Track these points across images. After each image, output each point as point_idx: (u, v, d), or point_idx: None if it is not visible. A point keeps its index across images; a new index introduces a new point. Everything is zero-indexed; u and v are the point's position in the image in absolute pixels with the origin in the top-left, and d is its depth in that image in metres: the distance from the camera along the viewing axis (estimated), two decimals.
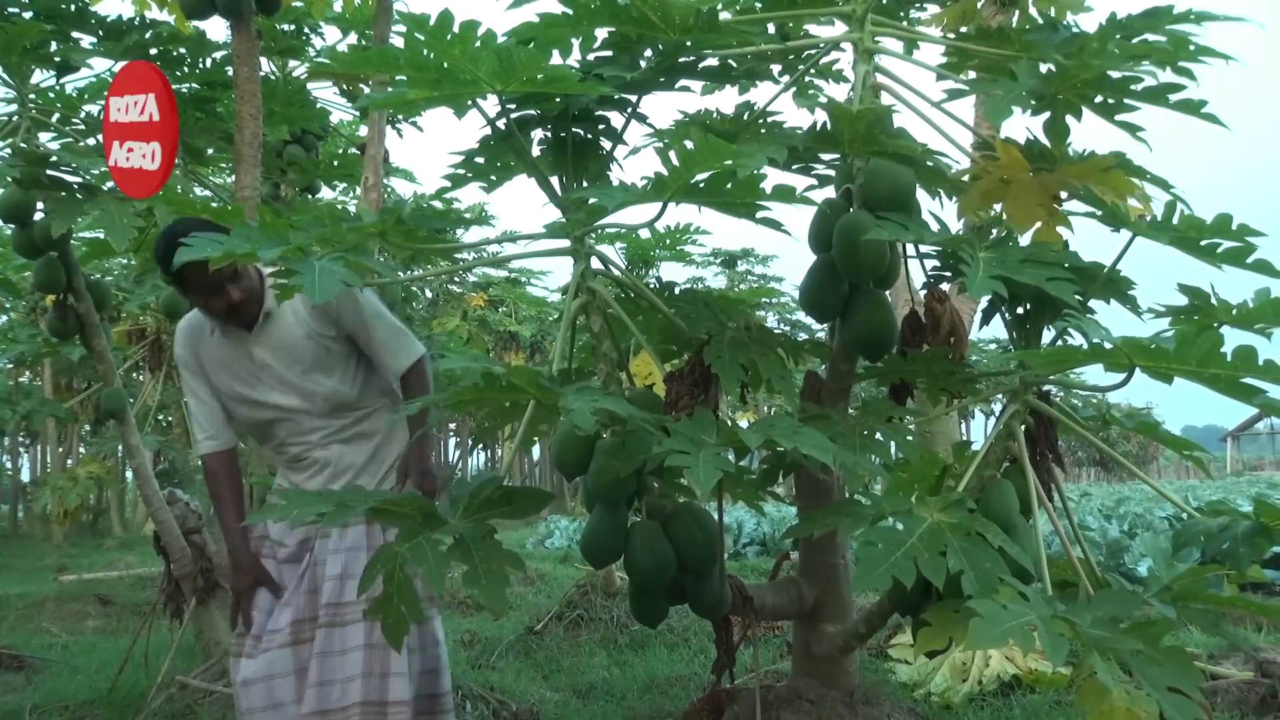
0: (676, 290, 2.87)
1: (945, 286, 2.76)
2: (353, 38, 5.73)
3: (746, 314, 2.73)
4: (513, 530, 17.08)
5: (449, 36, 2.14)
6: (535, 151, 2.69)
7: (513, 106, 2.54)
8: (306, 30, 5.46)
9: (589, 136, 2.68)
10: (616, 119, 2.67)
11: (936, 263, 2.69)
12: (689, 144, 2.02)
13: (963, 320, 2.75)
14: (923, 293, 2.70)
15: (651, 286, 2.87)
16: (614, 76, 2.43)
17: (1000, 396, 2.54)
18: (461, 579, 2.06)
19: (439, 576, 2.05)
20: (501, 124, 2.55)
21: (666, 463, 1.96)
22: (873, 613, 2.52)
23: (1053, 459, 2.43)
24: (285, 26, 5.35)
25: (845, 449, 2.11)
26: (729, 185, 2.18)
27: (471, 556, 2.07)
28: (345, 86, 6.19)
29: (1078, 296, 2.10)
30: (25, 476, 24.61)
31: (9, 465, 25.06)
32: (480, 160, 2.71)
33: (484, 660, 5.36)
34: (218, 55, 4.32)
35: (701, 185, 2.18)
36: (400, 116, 6.42)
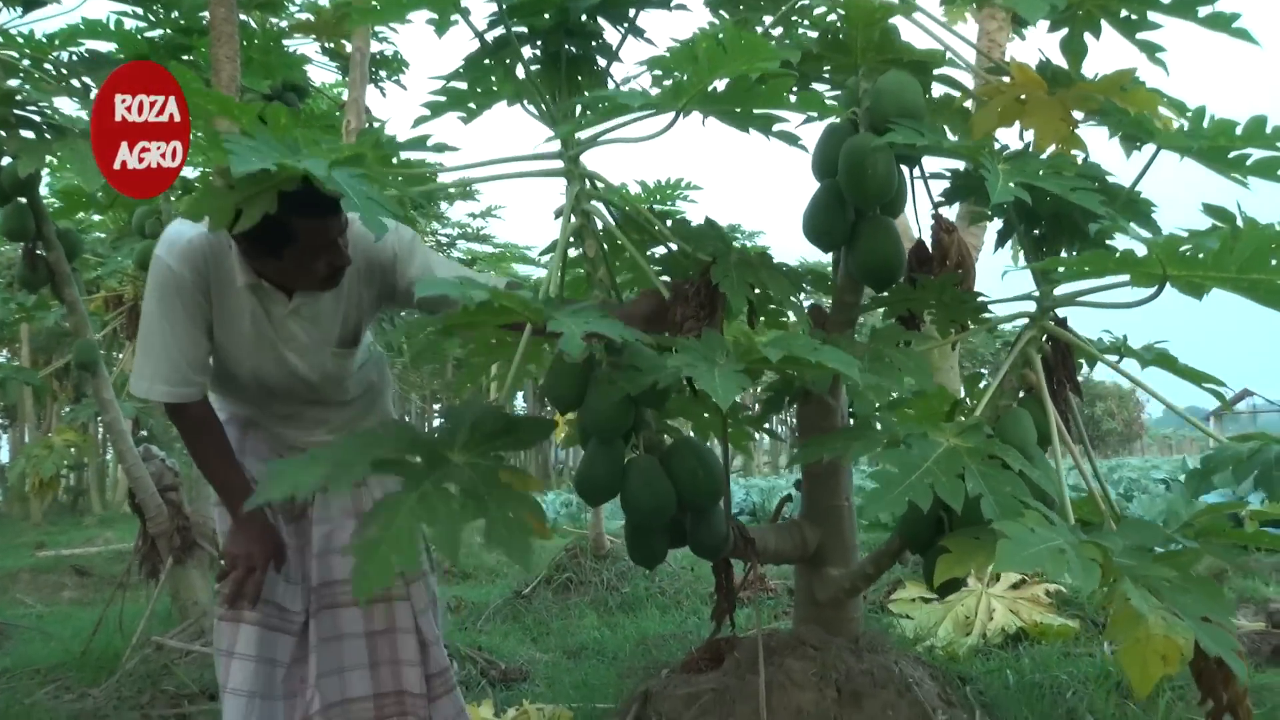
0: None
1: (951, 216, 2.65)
2: None
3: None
4: None
5: None
6: (523, 74, 2.55)
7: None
8: None
9: (583, 54, 2.53)
10: (612, 35, 2.53)
11: (945, 185, 2.56)
12: (721, 36, 1.86)
13: (970, 252, 2.64)
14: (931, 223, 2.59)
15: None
16: None
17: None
18: (485, 538, 1.69)
19: (453, 539, 1.67)
20: (497, 34, 2.41)
21: (685, 376, 1.81)
22: (882, 552, 2.41)
23: (1070, 388, 2.31)
24: None
25: None
26: (751, 91, 2.00)
27: (486, 507, 1.70)
28: (327, 43, 6.01)
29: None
30: (5, 458, 24.38)
31: None
32: (462, 85, 2.56)
33: (470, 624, 5.26)
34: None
35: (721, 92, 2.01)
36: (383, 74, 6.25)
